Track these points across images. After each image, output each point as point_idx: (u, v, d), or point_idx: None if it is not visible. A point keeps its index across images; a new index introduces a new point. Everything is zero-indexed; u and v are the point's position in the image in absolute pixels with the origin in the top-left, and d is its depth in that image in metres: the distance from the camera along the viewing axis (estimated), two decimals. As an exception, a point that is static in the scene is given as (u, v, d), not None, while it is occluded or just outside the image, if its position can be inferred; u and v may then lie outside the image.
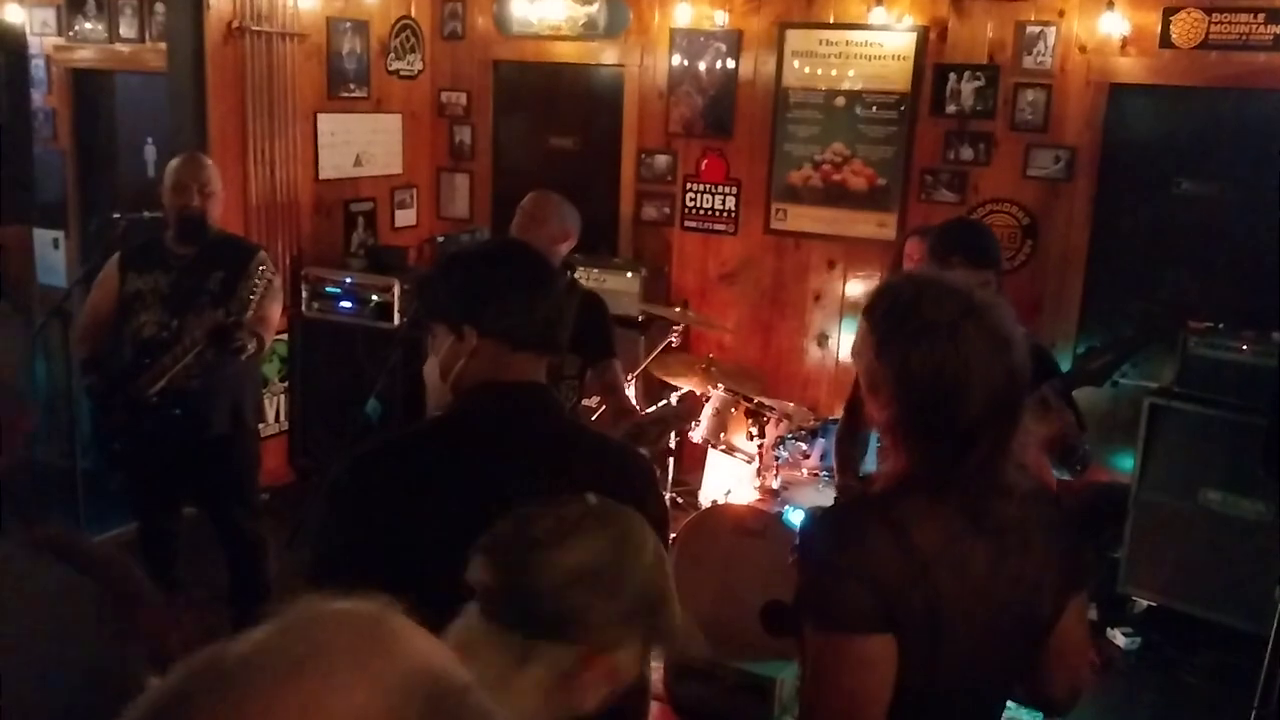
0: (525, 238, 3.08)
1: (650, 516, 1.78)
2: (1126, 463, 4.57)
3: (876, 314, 1.55)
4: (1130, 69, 4.73)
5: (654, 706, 2.98)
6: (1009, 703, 1.73)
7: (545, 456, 1.71)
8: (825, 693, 1.47)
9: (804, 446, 4.34)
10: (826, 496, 3.91)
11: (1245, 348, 4.27)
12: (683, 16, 5.47)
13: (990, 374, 1.46)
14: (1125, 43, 4.69)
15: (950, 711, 1.55)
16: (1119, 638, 4.35)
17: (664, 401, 4.59)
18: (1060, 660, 1.64)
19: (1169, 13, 4.58)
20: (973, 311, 1.49)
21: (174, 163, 3.73)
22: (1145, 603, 4.45)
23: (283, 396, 5.59)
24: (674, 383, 4.64)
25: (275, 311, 3.75)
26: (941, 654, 1.46)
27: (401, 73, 5.95)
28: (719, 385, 4.44)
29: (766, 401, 4.43)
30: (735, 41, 5.43)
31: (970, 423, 1.46)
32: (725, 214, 5.61)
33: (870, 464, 3.14)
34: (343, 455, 1.72)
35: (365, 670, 0.61)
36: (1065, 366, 3.76)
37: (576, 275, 3.82)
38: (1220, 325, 4.39)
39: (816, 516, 1.77)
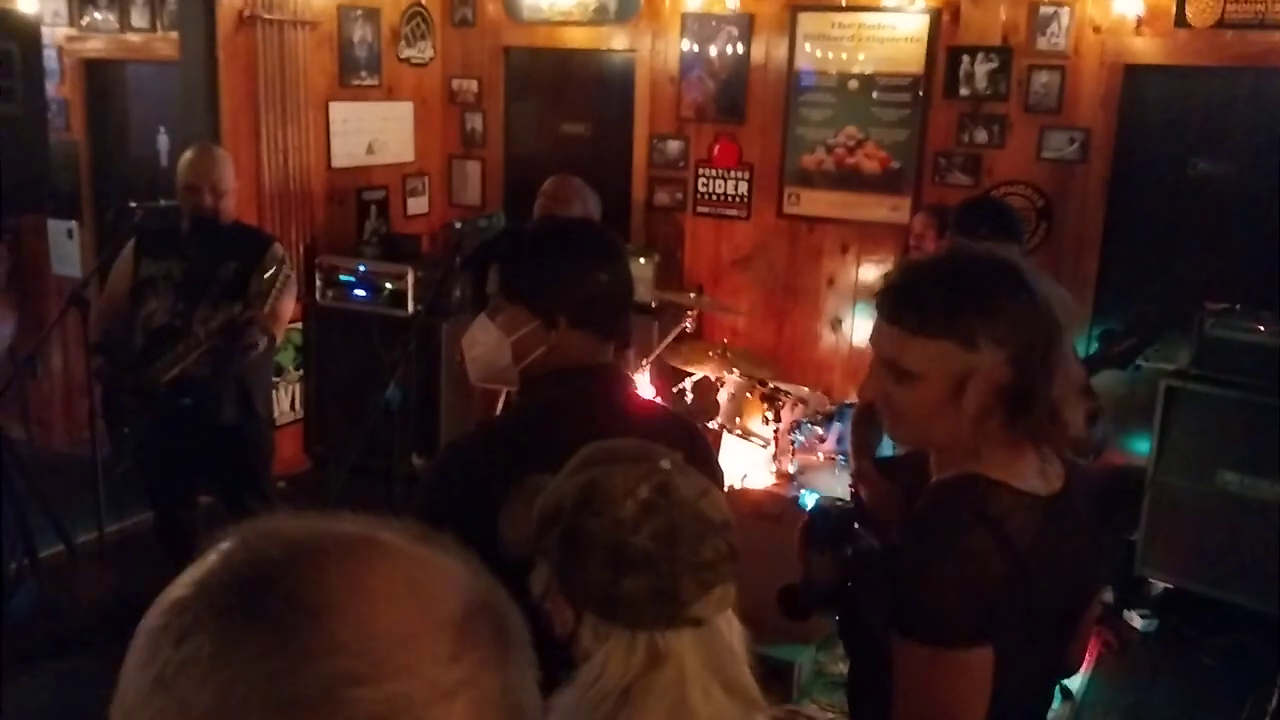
0: None
1: (714, 479, 1.83)
2: (1143, 445, 4.55)
3: (935, 303, 1.44)
4: (1145, 49, 4.69)
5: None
6: None
7: (631, 433, 1.75)
8: (923, 708, 1.42)
9: (820, 431, 4.35)
10: (842, 481, 3.91)
11: (1262, 328, 4.24)
12: (694, 0, 5.45)
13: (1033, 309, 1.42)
14: (1140, 23, 4.65)
15: (1025, 700, 1.55)
16: (1136, 620, 4.34)
17: (679, 388, 4.59)
18: (1081, 630, 1.68)
19: (1184, -8, 4.55)
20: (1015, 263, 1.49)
21: (186, 156, 3.72)
22: (1162, 585, 4.44)
23: (298, 385, 5.61)
24: (688, 369, 4.63)
25: (288, 306, 3.75)
26: (1031, 652, 1.44)
27: (413, 60, 5.95)
28: (734, 370, 4.44)
29: (782, 386, 4.43)
30: (747, 25, 5.40)
31: (1047, 359, 1.41)
32: (738, 199, 5.59)
33: (886, 449, 3.13)
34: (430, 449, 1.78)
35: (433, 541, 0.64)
36: (1081, 348, 3.75)
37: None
38: (1237, 306, 4.37)
39: (913, 522, 1.60)
